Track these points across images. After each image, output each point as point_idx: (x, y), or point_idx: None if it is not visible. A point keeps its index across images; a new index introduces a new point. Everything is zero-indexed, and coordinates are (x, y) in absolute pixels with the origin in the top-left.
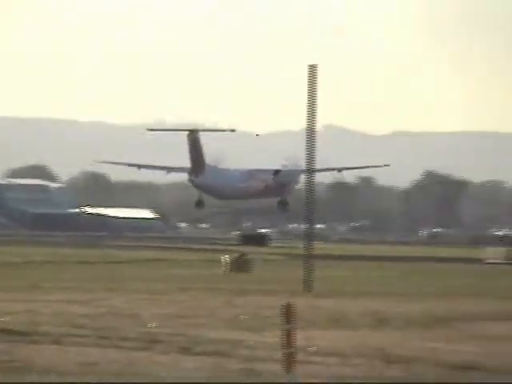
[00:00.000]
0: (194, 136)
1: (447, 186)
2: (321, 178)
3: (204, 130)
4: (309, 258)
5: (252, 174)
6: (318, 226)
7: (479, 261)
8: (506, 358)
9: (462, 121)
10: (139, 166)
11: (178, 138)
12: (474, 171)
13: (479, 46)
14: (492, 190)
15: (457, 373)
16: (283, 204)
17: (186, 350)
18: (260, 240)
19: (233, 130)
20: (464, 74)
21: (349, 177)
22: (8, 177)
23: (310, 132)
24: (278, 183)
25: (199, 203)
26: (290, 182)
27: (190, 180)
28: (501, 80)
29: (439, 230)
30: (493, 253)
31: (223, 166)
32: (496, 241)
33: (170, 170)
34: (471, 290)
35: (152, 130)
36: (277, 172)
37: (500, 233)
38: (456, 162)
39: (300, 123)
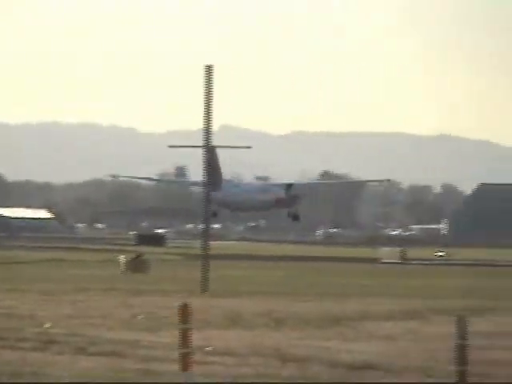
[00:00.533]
0: (211, 152)
1: (344, 186)
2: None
3: (220, 147)
4: (205, 257)
5: (264, 187)
6: (215, 225)
7: (375, 260)
8: (400, 357)
9: (365, 121)
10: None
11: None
12: (371, 172)
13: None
14: (388, 190)
15: (352, 372)
16: (294, 215)
17: (81, 351)
18: (157, 240)
19: (248, 147)
20: (371, 75)
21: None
22: None
23: (206, 131)
24: (289, 196)
25: (215, 214)
26: (300, 194)
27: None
28: (408, 81)
29: (335, 230)
30: (388, 253)
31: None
32: (391, 241)
33: (188, 184)
34: (367, 289)
35: (173, 146)
36: (289, 186)
37: (394, 233)
38: (354, 163)
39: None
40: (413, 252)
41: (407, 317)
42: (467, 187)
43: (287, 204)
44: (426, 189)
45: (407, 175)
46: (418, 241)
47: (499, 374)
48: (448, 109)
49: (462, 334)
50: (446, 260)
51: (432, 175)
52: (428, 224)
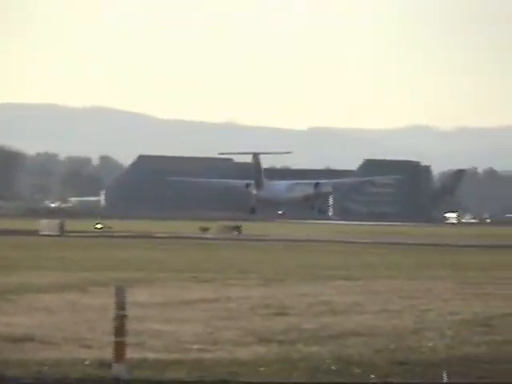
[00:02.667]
0: (256, 158)
1: (2, 156)
2: None
3: (264, 153)
4: None
5: (295, 186)
6: None
7: (34, 233)
8: (59, 328)
9: None
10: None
11: None
12: (28, 142)
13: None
14: (45, 161)
15: (10, 344)
16: (321, 210)
17: None
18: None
19: (288, 152)
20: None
21: None
22: None
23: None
24: (316, 193)
25: (253, 210)
26: (326, 191)
27: (251, 193)
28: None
29: None
30: (47, 225)
31: None
32: (51, 213)
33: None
34: (26, 262)
35: (222, 153)
36: (317, 184)
37: (54, 205)
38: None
39: None
40: (72, 224)
41: (67, 289)
42: (127, 159)
43: (315, 200)
44: (84, 160)
45: (64, 147)
46: (77, 213)
47: (155, 345)
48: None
49: (121, 305)
50: (104, 232)
51: (89, 147)
52: (87, 196)
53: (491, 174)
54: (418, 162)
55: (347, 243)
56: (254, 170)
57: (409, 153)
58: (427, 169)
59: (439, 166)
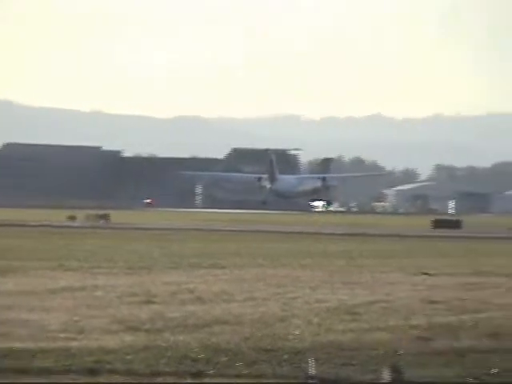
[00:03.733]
0: (270, 155)
1: None
2: None
3: (276, 150)
4: None
5: (304, 179)
6: None
7: None
8: None
9: None
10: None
11: None
12: None
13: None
14: None
15: None
16: (328, 202)
17: None
18: None
19: (297, 149)
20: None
21: None
22: None
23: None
24: (323, 186)
25: (264, 202)
26: (332, 185)
27: (264, 186)
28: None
29: None
30: None
31: None
32: None
33: (254, 178)
34: None
35: (238, 148)
36: (324, 178)
37: None
38: None
39: None
40: None
41: None
42: None
43: (322, 192)
44: None
45: None
46: None
47: (21, 335)
48: None
49: None
50: None
51: None
52: None
53: (358, 162)
54: (285, 150)
55: (214, 231)
56: (268, 165)
57: (277, 141)
58: (295, 157)
59: (307, 155)
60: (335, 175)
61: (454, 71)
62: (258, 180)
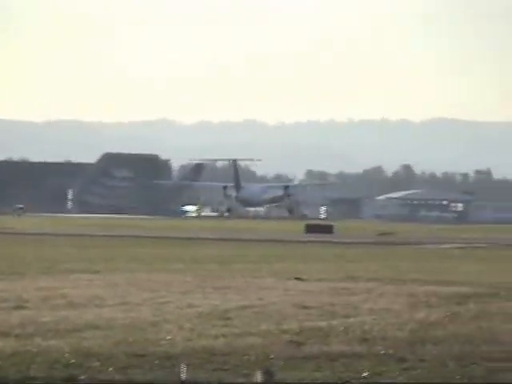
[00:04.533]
0: (234, 164)
1: None
2: None
3: (240, 160)
4: None
5: (267, 188)
6: None
7: None
8: None
9: None
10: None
11: None
12: None
13: None
14: None
15: None
16: (290, 209)
17: None
18: None
19: (259, 160)
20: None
21: None
22: None
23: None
24: (285, 194)
25: (229, 210)
26: (293, 193)
27: (229, 195)
28: None
29: None
30: None
31: None
32: None
33: (220, 186)
34: None
35: (193, 159)
36: (286, 187)
37: None
38: None
39: None
40: None
41: None
42: None
43: (284, 200)
44: None
45: None
46: None
47: None
48: None
49: None
50: None
51: None
52: None
53: (230, 167)
54: (158, 156)
55: (87, 236)
56: (233, 174)
57: (149, 146)
58: (167, 162)
59: (179, 160)
60: (296, 184)
61: (324, 77)
62: (223, 188)
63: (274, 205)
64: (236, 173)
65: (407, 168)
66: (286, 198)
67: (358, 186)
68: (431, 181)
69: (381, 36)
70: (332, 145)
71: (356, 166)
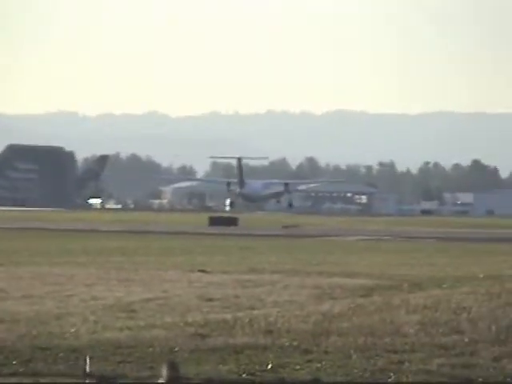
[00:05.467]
0: (239, 162)
1: None
2: None
3: (245, 158)
4: None
5: (269, 184)
6: None
7: None
8: None
9: None
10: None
11: None
12: None
13: None
14: None
15: None
16: (290, 204)
17: None
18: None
19: (265, 158)
20: None
21: None
22: None
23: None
24: (286, 190)
25: (232, 204)
26: (293, 190)
27: (234, 190)
28: None
29: None
30: None
31: None
32: None
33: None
34: None
35: (213, 157)
36: (287, 184)
37: None
38: None
39: None
40: None
41: None
42: None
43: (284, 196)
44: None
45: None
46: None
47: None
48: None
49: None
50: None
51: None
52: None
53: (134, 159)
54: (62, 148)
55: None
56: (237, 172)
57: (53, 138)
58: (71, 154)
59: (84, 152)
60: (296, 181)
61: (227, 69)
62: (227, 184)
63: (274, 200)
64: (240, 170)
65: (311, 160)
66: (287, 193)
67: (264, 178)
68: (335, 173)
69: (285, 27)
70: (237, 136)
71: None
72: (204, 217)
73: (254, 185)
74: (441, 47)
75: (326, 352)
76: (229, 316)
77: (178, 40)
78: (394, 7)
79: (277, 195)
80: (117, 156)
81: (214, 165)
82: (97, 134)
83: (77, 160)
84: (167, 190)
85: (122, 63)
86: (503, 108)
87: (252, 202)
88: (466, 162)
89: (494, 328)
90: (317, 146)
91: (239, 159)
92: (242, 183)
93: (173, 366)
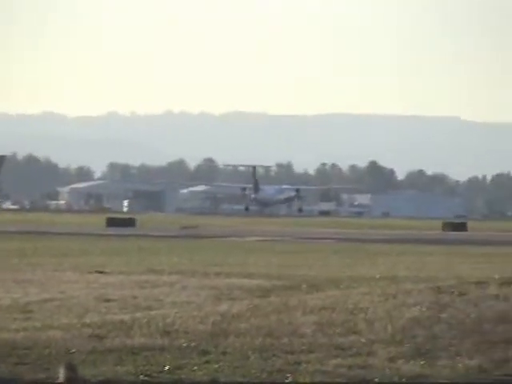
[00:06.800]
0: (253, 169)
1: None
2: None
3: (259, 166)
4: None
5: (281, 190)
6: None
7: None
8: None
9: None
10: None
11: None
12: None
13: None
14: None
15: None
16: (300, 209)
17: None
18: None
19: (269, 166)
20: None
21: None
22: None
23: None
24: (296, 196)
25: (247, 209)
26: (303, 196)
27: (248, 195)
28: None
29: None
30: None
31: None
32: None
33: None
34: None
35: (227, 165)
36: (297, 190)
37: None
38: None
39: None
40: None
41: None
42: None
43: (295, 201)
44: None
45: None
46: None
47: None
48: None
49: None
50: None
51: None
52: None
53: (33, 160)
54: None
55: None
56: (252, 177)
57: None
58: None
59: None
60: (308, 187)
61: (128, 70)
62: (242, 190)
63: (285, 204)
64: (254, 176)
65: (210, 161)
66: (297, 198)
67: (162, 178)
68: (234, 174)
69: (185, 23)
70: (134, 137)
71: (159, 158)
72: (102, 218)
73: (269, 190)
74: (324, 50)
75: (223, 353)
76: (126, 317)
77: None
78: None
79: (288, 200)
80: (14, 156)
81: (112, 166)
82: None
83: None
84: (64, 190)
85: (14, 64)
86: (398, 110)
87: (265, 206)
88: (362, 163)
89: (390, 328)
90: (215, 147)
91: (254, 167)
92: (256, 189)
93: (70, 367)
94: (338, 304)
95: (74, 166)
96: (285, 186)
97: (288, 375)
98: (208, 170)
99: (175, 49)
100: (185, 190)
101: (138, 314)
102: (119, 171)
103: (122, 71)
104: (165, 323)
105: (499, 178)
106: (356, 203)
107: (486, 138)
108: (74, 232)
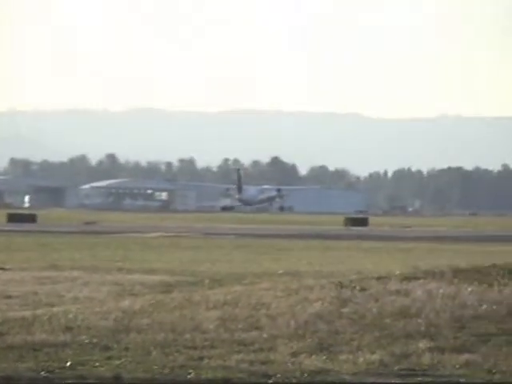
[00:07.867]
0: (239, 171)
1: None
2: None
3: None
4: None
5: (263, 190)
6: None
7: None
8: None
9: None
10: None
11: None
12: None
13: None
14: None
15: None
16: (281, 208)
17: None
18: None
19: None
20: None
21: None
22: None
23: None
24: (278, 195)
25: (230, 208)
26: (285, 195)
27: (232, 195)
28: None
29: None
30: None
31: None
32: None
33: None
34: None
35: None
36: (279, 189)
37: None
38: None
39: None
40: None
41: None
42: None
43: (277, 200)
44: None
45: None
46: None
47: None
48: None
49: None
50: None
51: None
52: None
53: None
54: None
55: None
56: (237, 179)
57: None
58: None
59: None
60: (288, 187)
61: (32, 66)
62: (226, 190)
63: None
64: (239, 177)
65: (112, 157)
66: (280, 197)
67: (64, 174)
68: (136, 170)
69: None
70: (35, 134)
71: (60, 154)
72: (2, 214)
73: (251, 191)
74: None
75: (126, 349)
76: (28, 313)
77: None
78: None
79: (270, 199)
80: None
81: (13, 162)
82: None
83: None
84: None
85: None
86: (298, 106)
87: (248, 205)
88: (265, 158)
89: (292, 323)
90: (117, 143)
91: (238, 169)
92: (240, 189)
93: None
94: (240, 299)
95: None
96: (266, 186)
97: (190, 371)
98: (110, 166)
99: (79, 45)
100: (86, 186)
101: (40, 311)
102: (20, 167)
103: (24, 67)
104: (66, 319)
105: (400, 174)
106: None
107: (386, 134)
108: None
